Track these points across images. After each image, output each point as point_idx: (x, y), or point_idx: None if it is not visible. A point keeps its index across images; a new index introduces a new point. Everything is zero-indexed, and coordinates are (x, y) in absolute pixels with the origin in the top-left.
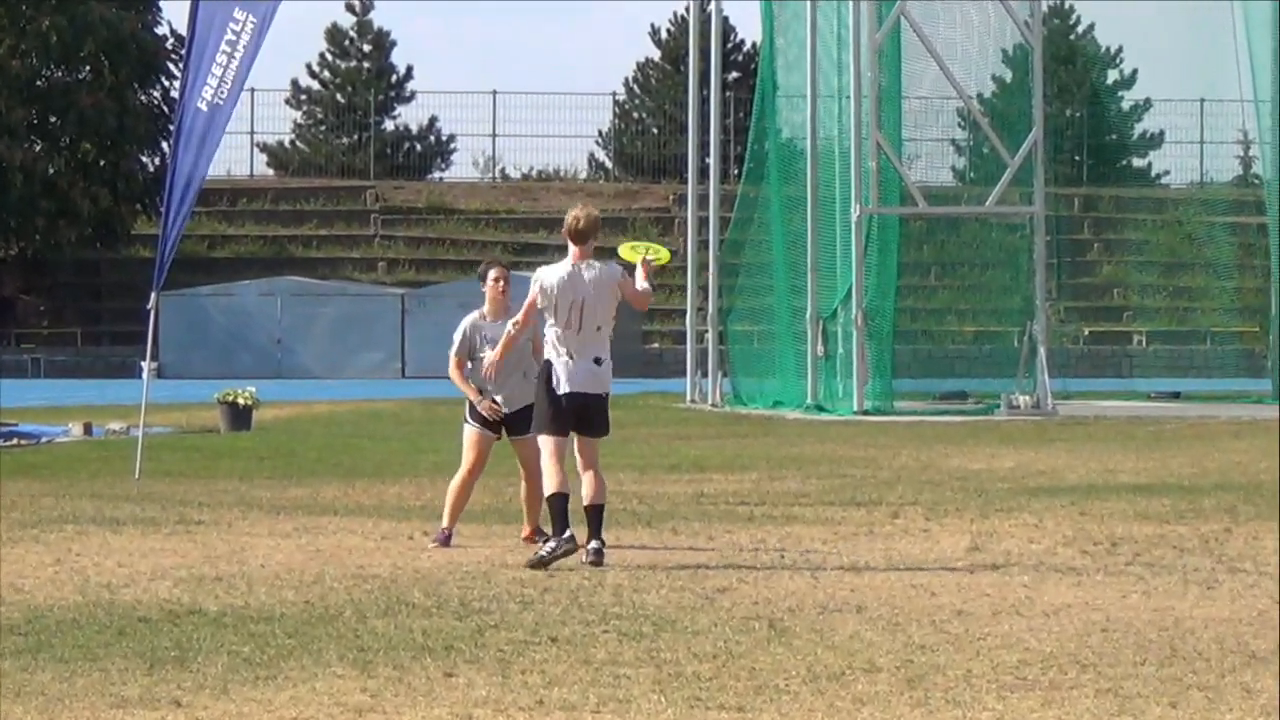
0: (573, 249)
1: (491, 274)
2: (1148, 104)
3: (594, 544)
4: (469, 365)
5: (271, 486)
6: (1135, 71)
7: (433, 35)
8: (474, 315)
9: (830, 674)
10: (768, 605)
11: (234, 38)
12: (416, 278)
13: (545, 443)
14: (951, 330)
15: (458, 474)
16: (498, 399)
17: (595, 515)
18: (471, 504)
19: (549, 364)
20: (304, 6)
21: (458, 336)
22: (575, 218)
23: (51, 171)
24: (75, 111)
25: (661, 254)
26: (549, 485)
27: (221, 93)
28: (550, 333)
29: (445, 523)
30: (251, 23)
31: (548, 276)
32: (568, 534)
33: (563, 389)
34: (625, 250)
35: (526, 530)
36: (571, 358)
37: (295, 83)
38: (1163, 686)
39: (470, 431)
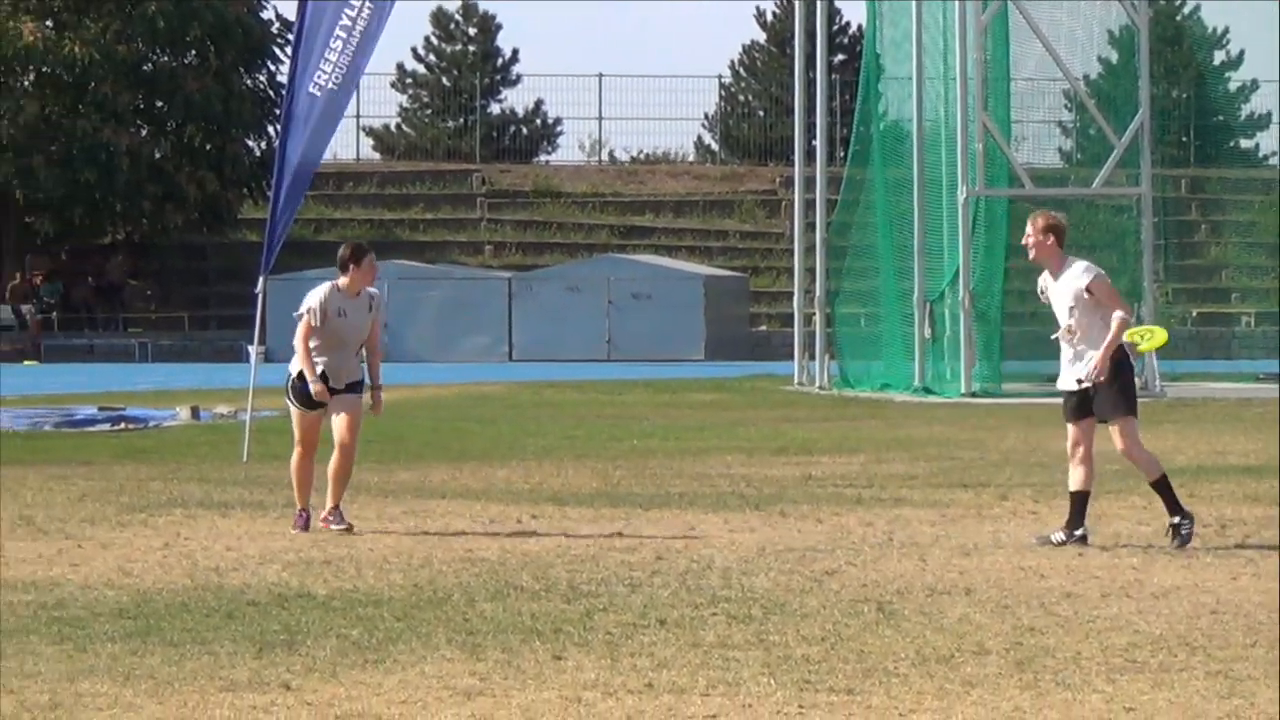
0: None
1: (369, 258)
2: (1255, 85)
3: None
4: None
5: (379, 470)
6: (1242, 52)
7: (538, 18)
8: (329, 286)
9: (939, 656)
10: (876, 588)
11: (349, 23)
12: (523, 261)
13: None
14: None
15: (293, 456)
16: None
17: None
18: (578, 486)
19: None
20: None
21: (315, 304)
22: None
23: (158, 156)
24: (181, 96)
25: (1156, 337)
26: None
27: (336, 78)
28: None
29: (299, 504)
30: (369, 8)
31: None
32: (1080, 531)
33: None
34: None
35: (328, 507)
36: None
37: (401, 66)
38: (1273, 669)
39: (294, 412)
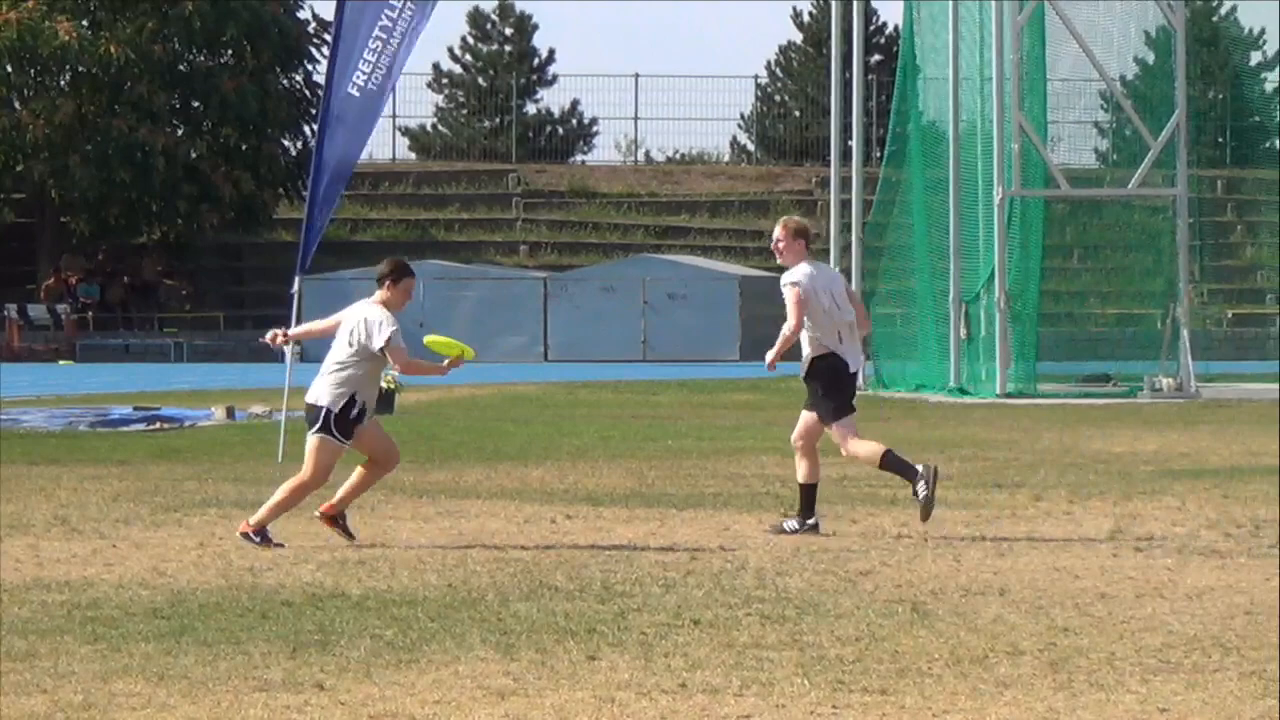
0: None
1: (409, 281)
2: None
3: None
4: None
5: (414, 470)
6: (1279, 53)
7: (574, 18)
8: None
9: (973, 657)
10: (910, 588)
11: (389, 23)
12: (559, 261)
13: (849, 425)
14: (1094, 313)
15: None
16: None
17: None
18: (612, 486)
19: (834, 354)
20: None
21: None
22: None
23: (194, 156)
24: (217, 96)
25: (466, 352)
26: (813, 475)
27: (376, 77)
28: (821, 327)
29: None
30: (410, 9)
31: (801, 278)
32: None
33: (853, 368)
34: (431, 340)
35: (327, 506)
36: (842, 341)
37: (437, 66)
38: None
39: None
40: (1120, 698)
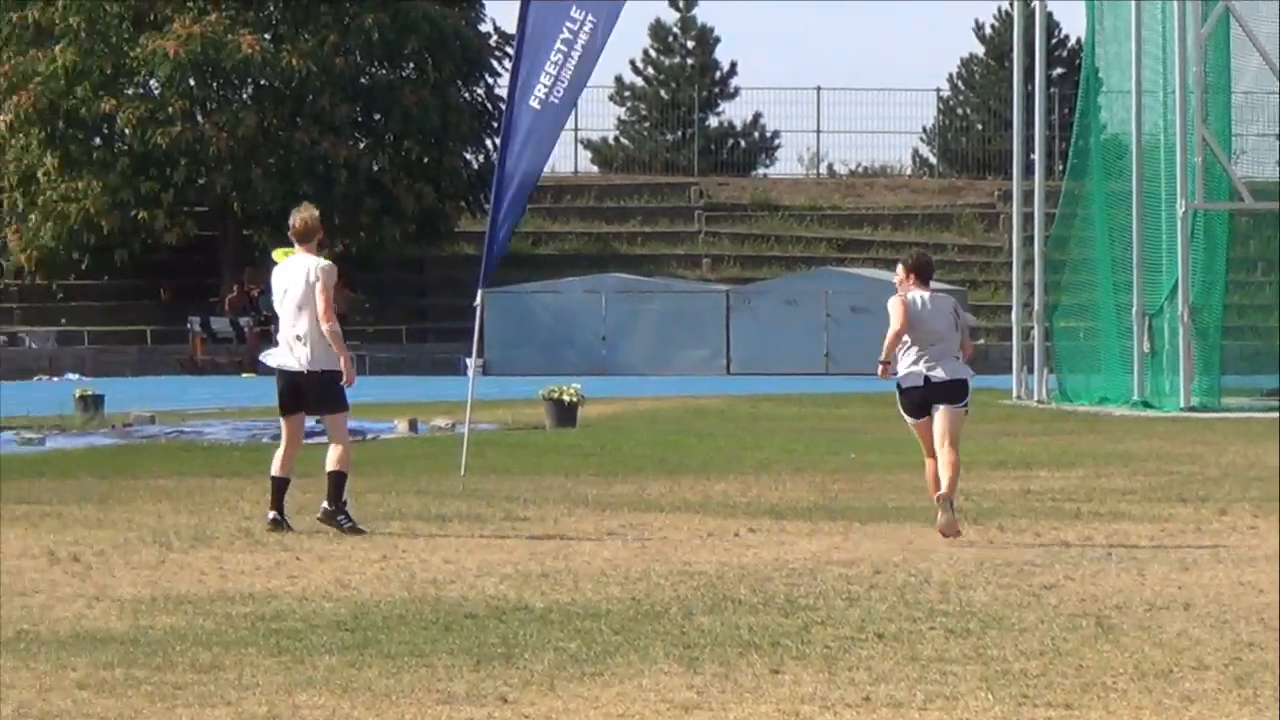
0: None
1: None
2: None
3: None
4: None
5: (597, 483)
6: None
7: (756, 31)
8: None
9: (1158, 671)
10: (1095, 602)
11: (570, 37)
12: (741, 274)
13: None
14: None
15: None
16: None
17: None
18: (796, 499)
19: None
20: (628, 3)
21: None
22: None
23: (375, 169)
24: (399, 108)
25: None
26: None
27: (557, 91)
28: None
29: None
30: (591, 22)
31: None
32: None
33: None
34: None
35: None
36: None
37: (619, 79)
38: None
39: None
40: None
